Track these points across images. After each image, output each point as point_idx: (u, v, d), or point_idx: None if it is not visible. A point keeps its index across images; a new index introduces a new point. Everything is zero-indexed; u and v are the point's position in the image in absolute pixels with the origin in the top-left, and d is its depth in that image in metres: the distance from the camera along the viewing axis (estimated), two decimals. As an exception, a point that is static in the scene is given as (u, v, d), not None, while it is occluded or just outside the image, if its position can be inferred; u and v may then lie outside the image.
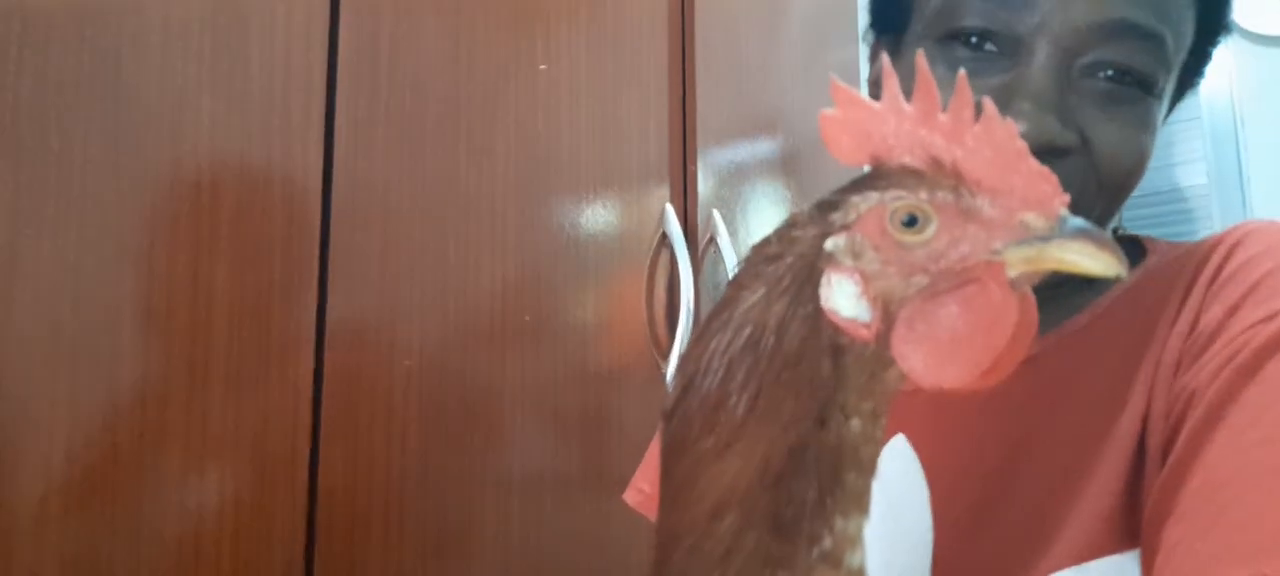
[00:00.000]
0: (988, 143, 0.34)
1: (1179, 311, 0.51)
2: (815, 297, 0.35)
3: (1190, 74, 0.59)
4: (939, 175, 0.35)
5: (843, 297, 0.35)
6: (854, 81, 0.68)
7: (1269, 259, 0.49)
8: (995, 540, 0.53)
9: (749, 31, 1.37)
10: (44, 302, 0.68)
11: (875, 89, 0.64)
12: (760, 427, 0.34)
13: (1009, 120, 0.35)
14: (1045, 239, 0.34)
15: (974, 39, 0.54)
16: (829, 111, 0.38)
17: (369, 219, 0.87)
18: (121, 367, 0.72)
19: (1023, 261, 0.34)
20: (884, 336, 0.35)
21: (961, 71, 0.36)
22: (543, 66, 1.03)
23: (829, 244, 0.36)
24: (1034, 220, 0.34)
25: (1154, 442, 0.48)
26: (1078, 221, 0.34)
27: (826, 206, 0.37)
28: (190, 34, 0.77)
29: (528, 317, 0.99)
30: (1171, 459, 0.45)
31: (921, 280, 0.35)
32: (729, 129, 1.29)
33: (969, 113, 0.35)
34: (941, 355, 0.35)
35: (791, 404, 0.34)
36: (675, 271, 1.12)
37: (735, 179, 1.30)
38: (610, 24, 1.13)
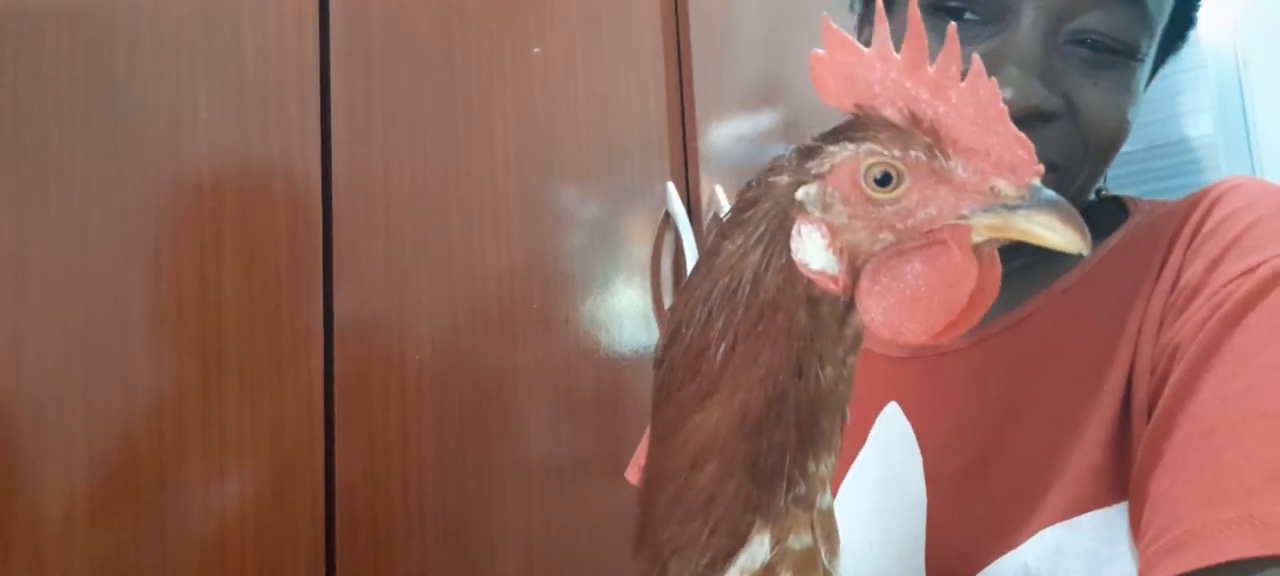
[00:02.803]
0: (971, 101, 0.35)
1: (1161, 268, 0.52)
2: (788, 248, 0.36)
3: (1173, 36, 0.59)
4: (917, 131, 0.36)
5: (812, 249, 0.36)
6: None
7: (1249, 214, 0.49)
8: (987, 502, 0.54)
9: (743, 1, 1.38)
10: (55, 309, 0.70)
11: None
12: (738, 376, 0.35)
13: (993, 80, 0.35)
14: (1013, 208, 0.34)
15: (961, 6, 0.54)
16: (819, 51, 0.39)
17: (371, 209, 0.88)
18: (135, 371, 0.73)
19: (988, 229, 0.35)
20: (851, 288, 0.36)
21: (951, 25, 0.36)
22: (536, 50, 1.04)
23: (800, 193, 0.37)
24: (1005, 187, 0.34)
25: (1140, 397, 0.49)
26: (1048, 193, 0.35)
27: (805, 153, 0.38)
28: (183, 30, 0.78)
29: (536, 304, 1.00)
30: (1158, 411, 0.46)
31: (887, 237, 0.36)
32: (728, 102, 1.30)
33: (956, 68, 0.35)
34: (902, 310, 0.36)
35: (768, 353, 0.35)
36: (680, 248, 1.13)
37: (736, 152, 1.31)
38: (603, 1, 1.15)
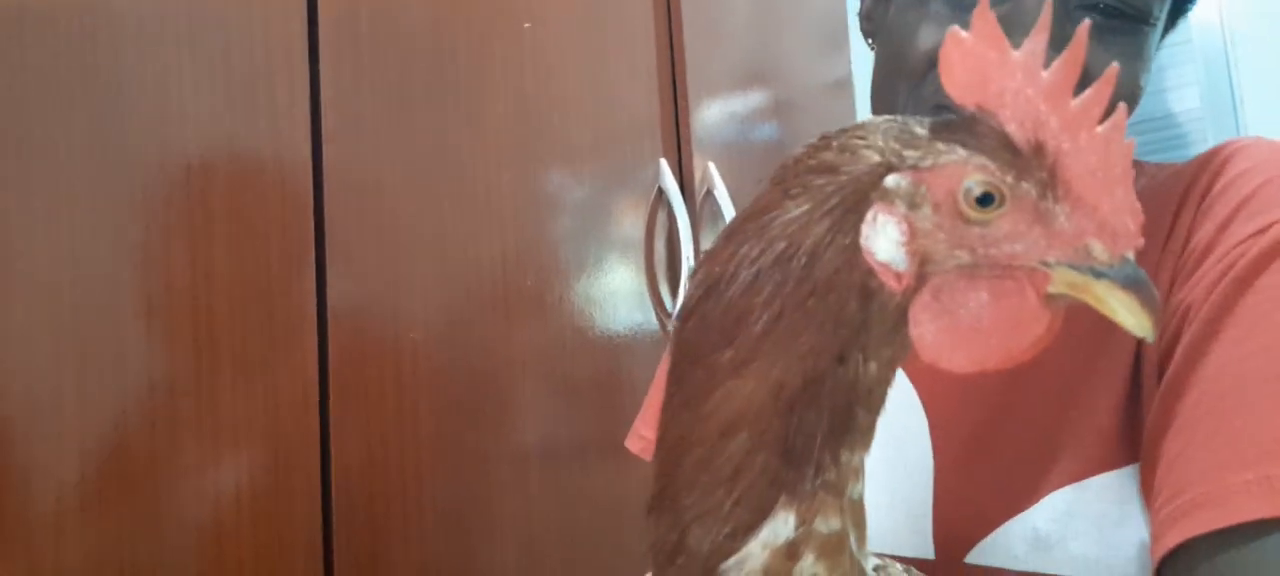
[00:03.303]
0: (1099, 151, 0.32)
1: (1171, 231, 0.51)
2: (857, 230, 0.34)
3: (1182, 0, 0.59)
4: (1037, 161, 0.33)
5: (884, 240, 0.34)
6: (841, 29, 0.67)
7: (1258, 174, 0.49)
8: (994, 466, 0.54)
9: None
10: (45, 299, 0.68)
11: (867, 23, 0.64)
12: (777, 350, 0.33)
13: (1129, 142, 0.33)
14: (1099, 273, 0.33)
15: None
16: (960, 34, 0.35)
17: (362, 194, 0.86)
18: (128, 359, 0.72)
19: (1067, 284, 0.33)
20: (911, 293, 0.34)
21: (1114, 66, 0.34)
22: (527, 25, 1.03)
23: (890, 180, 0.34)
24: (1099, 250, 0.33)
25: (1150, 359, 0.49)
26: (1136, 271, 0.33)
27: (906, 137, 0.34)
28: (168, 16, 0.77)
29: (530, 282, 1.00)
30: (1169, 374, 0.46)
31: (964, 257, 0.34)
32: (719, 80, 1.29)
33: (1098, 111, 0.33)
34: (955, 337, 0.34)
35: (812, 334, 0.33)
36: (674, 227, 1.13)
37: (728, 129, 1.30)
38: None
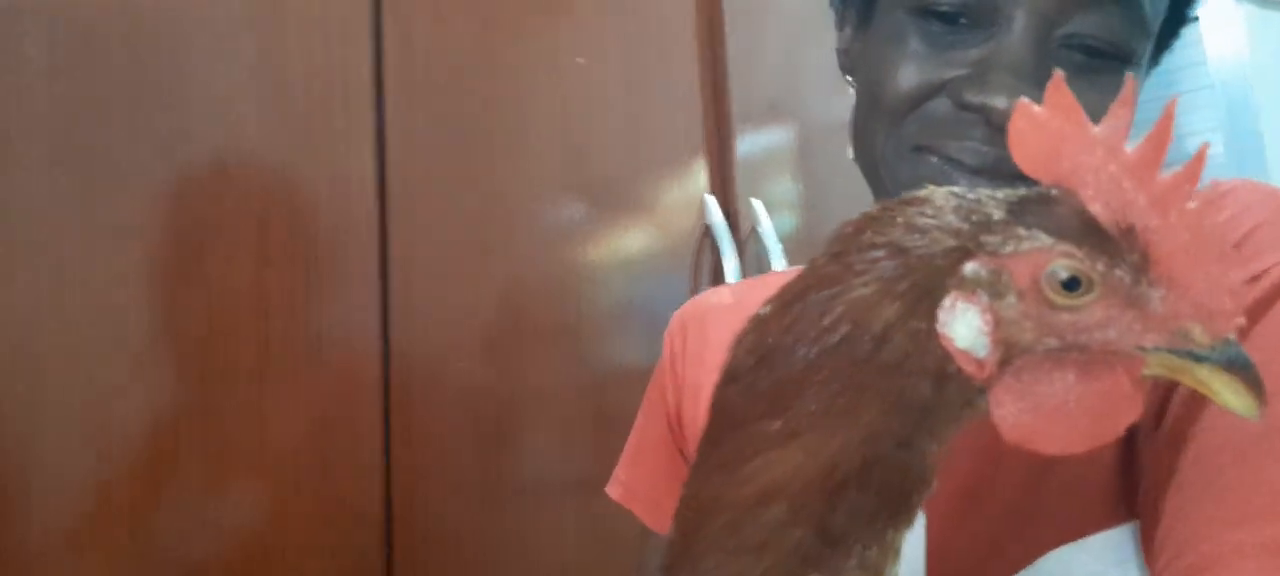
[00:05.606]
0: (1191, 227, 0.30)
1: None
2: (932, 315, 0.31)
3: (1166, 37, 0.56)
4: (1125, 245, 0.31)
5: (964, 327, 0.31)
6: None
7: (1248, 218, 0.47)
8: (987, 519, 0.52)
9: (776, 16, 1.40)
10: (107, 322, 0.70)
11: (844, 59, 0.61)
12: (836, 427, 0.31)
13: (1228, 215, 0.31)
14: (1198, 357, 0.30)
15: (953, 11, 0.51)
16: (1031, 106, 0.33)
17: (425, 222, 0.88)
18: (187, 379, 0.73)
19: (1165, 367, 0.31)
20: (995, 377, 0.32)
21: (1205, 144, 0.32)
22: (580, 60, 1.06)
23: (969, 269, 0.31)
24: (1199, 333, 0.30)
25: (1146, 410, 0.48)
26: (1238, 353, 0.31)
27: (981, 219, 0.32)
28: (233, 41, 0.78)
29: (574, 316, 1.01)
30: (1166, 425, 0.44)
31: (1053, 343, 0.31)
32: (763, 116, 1.32)
33: (1190, 187, 0.31)
34: (1040, 419, 0.32)
35: (876, 414, 0.31)
36: (718, 261, 1.15)
37: (765, 167, 1.33)
38: (639, 13, 1.12)
